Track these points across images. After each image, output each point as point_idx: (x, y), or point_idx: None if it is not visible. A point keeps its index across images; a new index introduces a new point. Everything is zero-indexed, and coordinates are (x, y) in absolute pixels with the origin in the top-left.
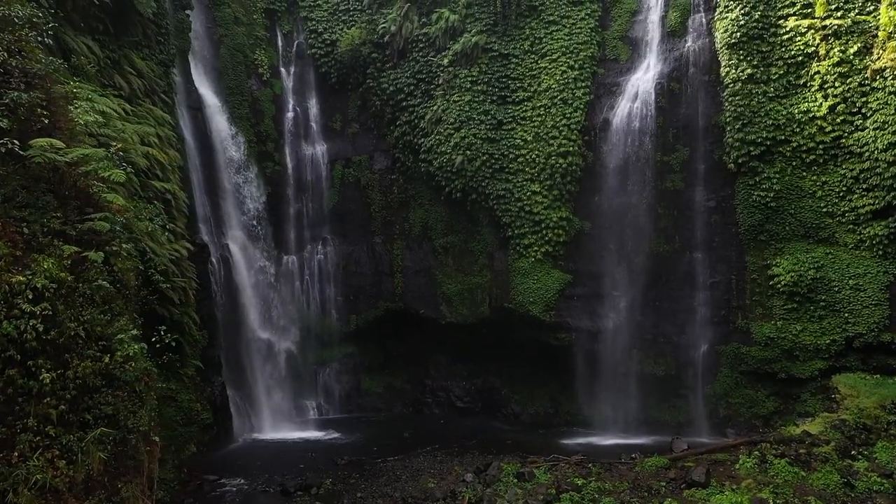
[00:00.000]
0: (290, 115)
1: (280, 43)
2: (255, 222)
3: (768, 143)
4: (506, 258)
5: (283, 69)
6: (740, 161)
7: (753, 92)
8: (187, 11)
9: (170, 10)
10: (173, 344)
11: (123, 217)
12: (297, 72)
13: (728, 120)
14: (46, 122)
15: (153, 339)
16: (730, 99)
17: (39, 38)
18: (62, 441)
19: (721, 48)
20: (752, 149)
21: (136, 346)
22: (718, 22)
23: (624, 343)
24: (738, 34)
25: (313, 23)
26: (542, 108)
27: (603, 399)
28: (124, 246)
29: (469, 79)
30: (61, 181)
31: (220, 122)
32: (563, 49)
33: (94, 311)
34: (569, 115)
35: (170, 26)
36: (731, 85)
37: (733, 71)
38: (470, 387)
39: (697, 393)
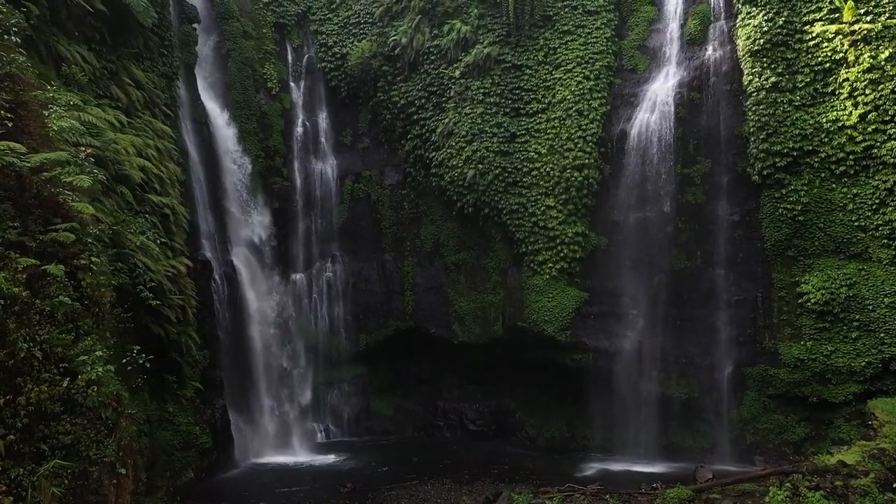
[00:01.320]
0: (299, 129)
1: (290, 57)
2: (261, 239)
3: (795, 153)
4: (519, 275)
5: (292, 83)
6: (765, 173)
7: (779, 101)
8: (194, 25)
9: (175, 22)
10: (147, 365)
11: (98, 228)
12: (307, 86)
13: (752, 130)
14: (11, 125)
15: (137, 360)
16: (753, 108)
17: (15, 41)
18: (10, 475)
19: (744, 56)
20: (777, 160)
21: (100, 369)
22: (740, 29)
23: (643, 364)
24: (762, 41)
25: (323, 36)
26: (556, 120)
27: (622, 423)
28: (95, 259)
29: (481, 91)
30: (22, 188)
31: (226, 137)
32: (579, 59)
33: (54, 330)
34: (584, 127)
35: (174, 38)
36: (755, 94)
37: (757, 79)
38: (483, 409)
39: (722, 417)
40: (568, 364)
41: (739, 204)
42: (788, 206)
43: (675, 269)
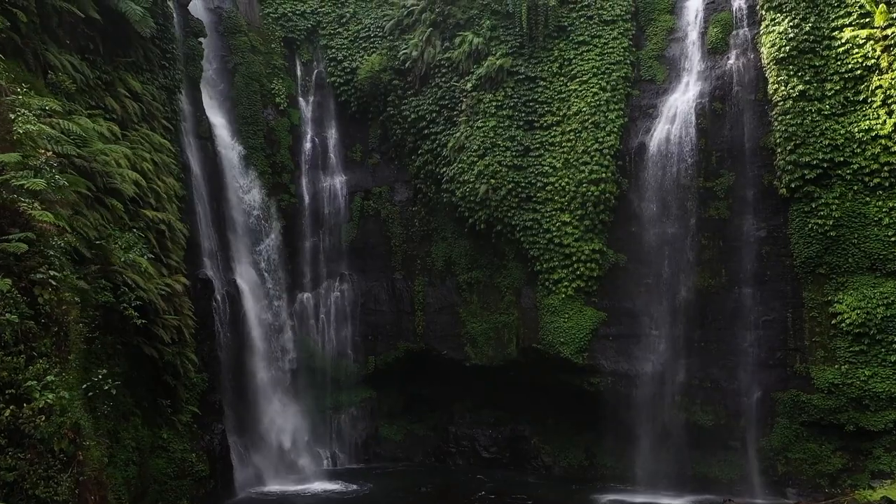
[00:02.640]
0: (307, 145)
1: (299, 72)
2: (267, 257)
3: (825, 165)
4: (534, 295)
5: (301, 99)
6: (793, 186)
7: (806, 110)
8: (200, 39)
9: (180, 35)
10: (113, 391)
11: (64, 240)
12: (316, 101)
13: (778, 141)
14: None
15: (102, 385)
16: (780, 118)
17: None
18: None
19: (768, 64)
20: (806, 172)
21: (50, 396)
22: (764, 36)
23: (666, 388)
24: (788, 48)
25: (333, 51)
26: (571, 133)
27: (643, 451)
28: (55, 273)
29: (494, 103)
30: None
31: (231, 153)
32: (595, 70)
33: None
34: (601, 140)
35: (177, 51)
36: (781, 103)
37: (783, 88)
38: (497, 435)
39: (751, 446)
40: (585, 388)
41: (766, 219)
42: (819, 220)
43: (699, 287)
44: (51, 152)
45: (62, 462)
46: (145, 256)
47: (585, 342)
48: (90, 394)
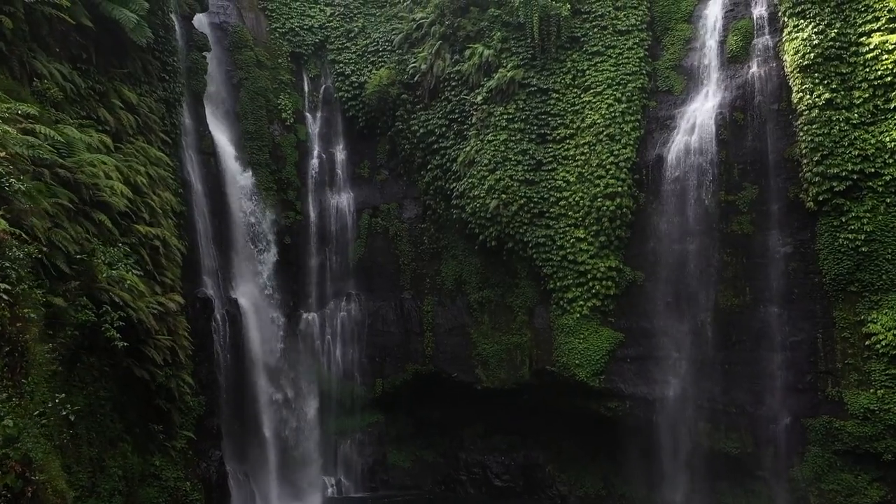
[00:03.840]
0: (314, 161)
1: (306, 87)
2: (270, 276)
3: (855, 176)
4: (547, 314)
5: (308, 114)
6: (821, 199)
7: (834, 119)
8: (204, 53)
9: (182, 49)
10: (71, 417)
11: (25, 250)
12: (323, 116)
13: (804, 152)
14: None
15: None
16: (805, 128)
17: None
18: None
19: (792, 72)
20: (835, 184)
21: None
22: (787, 43)
23: (688, 414)
24: (812, 55)
25: (341, 65)
26: (585, 146)
27: (665, 481)
28: (7, 287)
29: (505, 116)
30: None
31: (234, 169)
32: (609, 81)
33: None
34: (616, 153)
35: (177, 64)
36: (807, 112)
37: (808, 96)
38: (510, 462)
39: (780, 476)
40: (603, 413)
41: (792, 234)
42: (849, 235)
43: (722, 306)
44: (3, 153)
45: (6, 500)
46: (131, 272)
47: (602, 364)
48: (43, 421)
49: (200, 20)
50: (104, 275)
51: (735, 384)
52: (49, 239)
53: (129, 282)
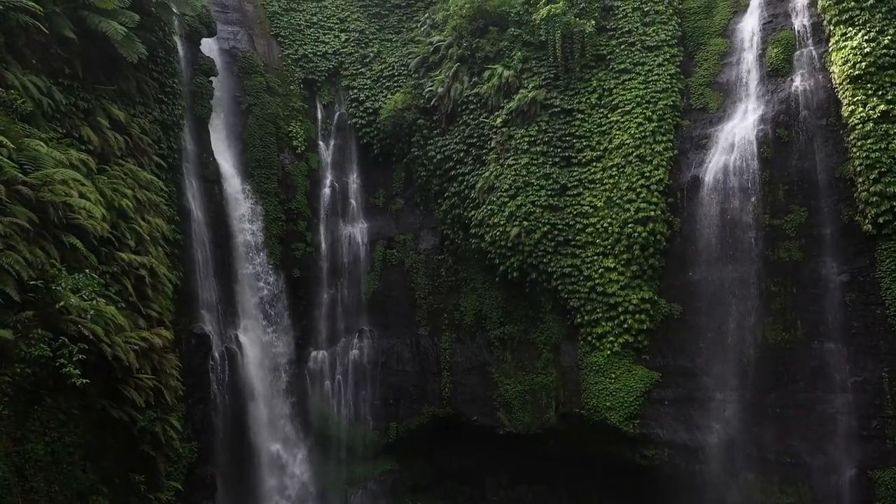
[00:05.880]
0: (326, 190)
1: (319, 115)
2: (276, 311)
3: None
4: (575, 352)
5: (321, 142)
6: (881, 221)
7: (891, 133)
8: (210, 77)
9: (186, 72)
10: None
11: None
12: (336, 144)
13: (859, 170)
14: None
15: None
16: (859, 144)
17: None
18: None
19: (841, 84)
20: (895, 204)
21: None
22: (834, 53)
23: (735, 464)
24: (864, 64)
25: (355, 91)
26: (614, 168)
27: None
28: None
29: (526, 139)
30: None
31: (238, 197)
32: (638, 99)
33: None
34: (648, 174)
35: (178, 87)
36: (860, 126)
37: (861, 109)
38: None
39: None
40: (638, 462)
41: (848, 261)
42: None
43: (770, 342)
44: None
45: None
46: (104, 303)
47: (636, 407)
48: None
49: (210, 45)
50: (71, 304)
51: (789, 430)
52: None
53: (105, 313)
